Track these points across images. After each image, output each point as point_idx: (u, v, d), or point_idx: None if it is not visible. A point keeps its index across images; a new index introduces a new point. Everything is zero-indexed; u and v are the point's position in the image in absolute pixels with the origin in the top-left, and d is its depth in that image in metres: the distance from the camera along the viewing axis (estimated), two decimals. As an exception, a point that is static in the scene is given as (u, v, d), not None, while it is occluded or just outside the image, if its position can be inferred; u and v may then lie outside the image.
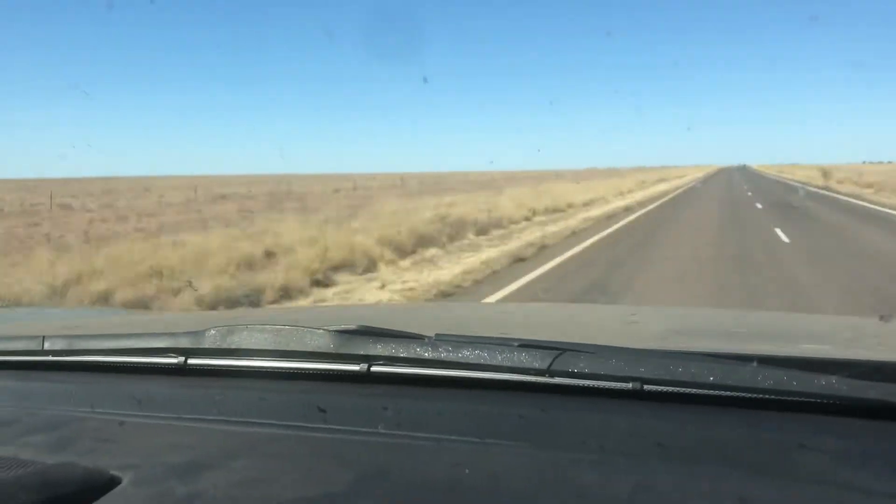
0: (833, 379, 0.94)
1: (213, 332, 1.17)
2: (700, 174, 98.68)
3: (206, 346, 1.17)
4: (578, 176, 74.41)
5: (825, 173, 52.31)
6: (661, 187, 47.11)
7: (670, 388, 0.99)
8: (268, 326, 1.17)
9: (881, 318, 1.63)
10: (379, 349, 1.10)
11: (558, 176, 78.39)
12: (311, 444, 0.94)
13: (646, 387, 0.99)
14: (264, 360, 1.17)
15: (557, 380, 1.02)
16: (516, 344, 1.06)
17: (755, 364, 0.99)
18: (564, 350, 1.03)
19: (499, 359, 1.04)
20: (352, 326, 1.15)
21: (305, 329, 1.15)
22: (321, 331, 1.13)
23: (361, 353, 1.10)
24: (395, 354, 1.09)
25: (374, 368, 1.10)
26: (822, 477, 0.81)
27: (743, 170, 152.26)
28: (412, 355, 1.08)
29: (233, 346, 1.16)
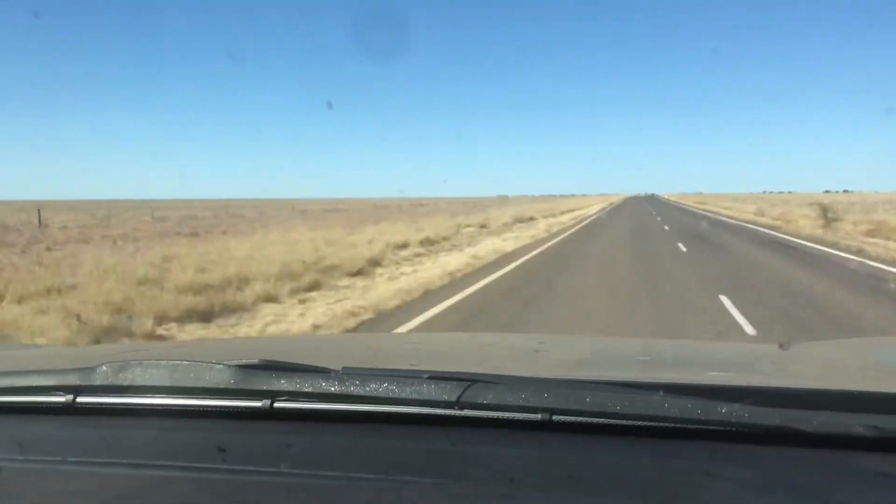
0: (736, 406, 0.96)
1: (104, 368, 1.13)
2: (601, 205, 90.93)
3: (97, 383, 1.12)
4: (482, 204, 72.71)
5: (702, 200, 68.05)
6: (557, 221, 38.82)
7: (579, 419, 1.00)
8: (163, 362, 1.14)
9: (780, 346, 1.71)
10: (282, 384, 1.07)
11: (466, 203, 75.36)
12: (210, 487, 0.90)
13: (555, 417, 0.99)
14: (160, 398, 1.12)
15: (467, 412, 1.02)
16: (426, 376, 1.05)
17: (661, 393, 0.99)
18: (474, 381, 1.03)
19: (408, 392, 1.03)
20: (254, 360, 1.11)
21: (204, 364, 1.11)
22: (221, 366, 1.10)
23: (264, 388, 1.07)
24: (299, 389, 1.06)
25: (277, 404, 1.07)
26: None
27: (652, 199, 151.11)
28: (317, 390, 1.06)
29: (126, 383, 1.11)
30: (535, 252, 17.96)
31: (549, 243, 21.00)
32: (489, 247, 19.42)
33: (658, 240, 22.36)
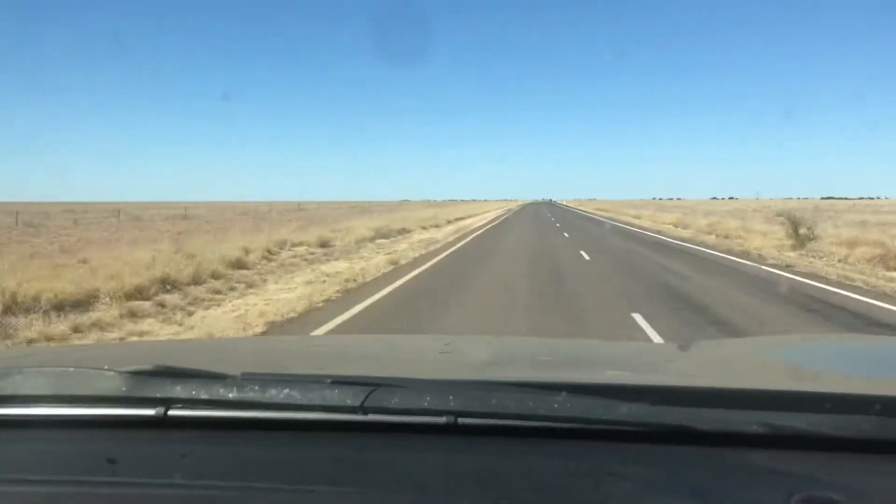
0: (637, 406, 0.98)
1: None
2: (499, 211, 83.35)
3: None
4: (372, 209, 67.92)
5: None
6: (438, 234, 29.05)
7: (484, 421, 0.99)
8: (47, 369, 1.10)
9: (680, 346, 1.77)
10: (178, 391, 1.03)
11: (362, 209, 68.70)
12: (99, 501, 0.86)
13: (460, 420, 0.99)
14: (44, 408, 1.06)
15: (372, 417, 1.00)
16: (329, 381, 1.03)
17: (565, 393, 1.00)
18: (378, 385, 1.01)
19: (310, 397, 1.01)
20: (147, 366, 1.07)
21: (93, 371, 1.08)
22: (111, 372, 1.06)
23: (158, 395, 1.03)
24: (195, 396, 1.03)
25: (171, 412, 1.03)
26: None
27: (551, 205, 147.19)
28: (215, 397, 1.02)
29: (6, 393, 1.07)
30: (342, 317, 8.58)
31: (385, 291, 11.03)
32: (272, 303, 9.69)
33: (587, 293, 10.75)
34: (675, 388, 1.16)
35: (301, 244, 20.15)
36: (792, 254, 17.71)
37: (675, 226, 35.22)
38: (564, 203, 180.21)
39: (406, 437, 1.01)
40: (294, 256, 17.16)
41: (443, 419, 0.99)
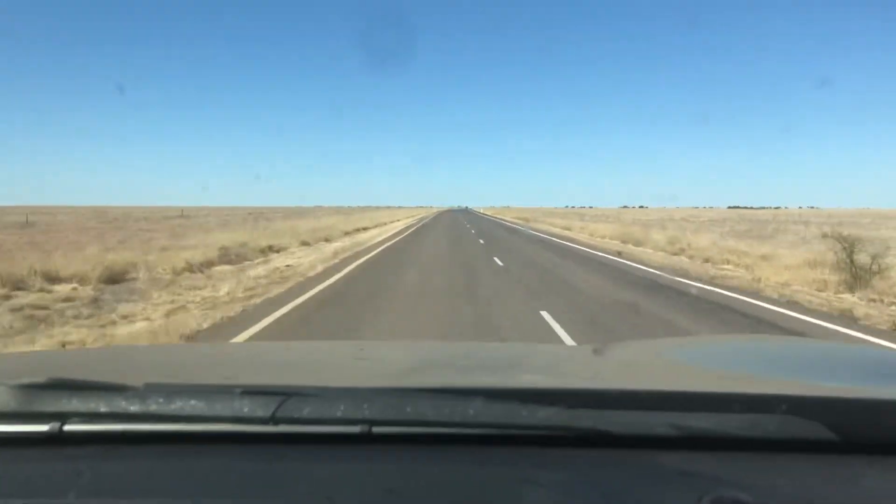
0: (552, 410, 0.98)
1: None
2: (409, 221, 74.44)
3: None
4: (267, 216, 61.44)
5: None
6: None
7: (399, 429, 0.98)
8: None
9: (595, 350, 1.75)
10: (74, 404, 0.98)
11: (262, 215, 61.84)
12: None
13: (374, 429, 0.97)
14: None
15: (283, 427, 0.97)
16: (238, 391, 0.99)
17: (481, 399, 0.99)
18: (290, 395, 0.99)
19: (218, 408, 0.98)
20: (40, 379, 1.02)
21: None
22: (1, 387, 1.00)
23: (52, 410, 0.98)
24: (94, 410, 0.98)
25: (67, 427, 0.98)
26: None
27: (467, 213, 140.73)
28: (116, 409, 0.98)
29: None
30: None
31: None
32: None
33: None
34: (589, 391, 1.15)
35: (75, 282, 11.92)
36: (853, 298, 11.09)
37: (624, 241, 28.04)
38: (481, 211, 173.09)
39: (319, 447, 0.99)
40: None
41: (357, 428, 0.98)
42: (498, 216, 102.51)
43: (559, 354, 2.22)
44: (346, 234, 33.57)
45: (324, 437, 0.98)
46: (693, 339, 4.20)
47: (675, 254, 21.15)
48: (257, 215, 76.02)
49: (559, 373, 1.63)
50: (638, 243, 26.74)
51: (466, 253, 21.56)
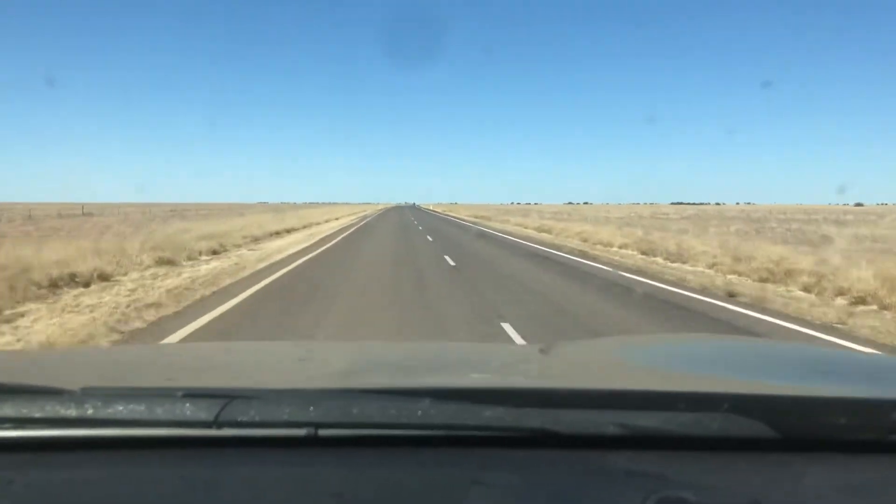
0: (500, 410, 0.97)
1: None
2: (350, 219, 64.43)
3: None
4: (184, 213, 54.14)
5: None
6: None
7: (346, 431, 0.97)
8: None
9: (541, 349, 1.74)
10: (6, 409, 0.95)
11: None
12: None
13: (320, 431, 0.96)
14: None
15: (227, 431, 0.95)
16: (180, 394, 0.97)
17: (428, 400, 0.98)
18: (234, 397, 0.97)
19: (159, 412, 0.95)
20: None
21: None
22: None
23: None
24: (27, 415, 0.94)
25: None
26: None
27: (415, 209, 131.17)
28: (51, 415, 0.94)
29: None
30: None
31: None
32: None
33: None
34: (536, 390, 1.15)
35: None
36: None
37: (669, 258, 18.58)
38: (431, 208, 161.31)
39: (264, 451, 0.96)
40: None
41: (302, 431, 0.96)
42: (449, 213, 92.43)
43: (507, 354, 2.21)
44: (254, 240, 24.39)
45: (269, 440, 0.97)
46: (640, 337, 4.24)
47: (676, 260, 12.55)
48: (179, 214, 65.91)
49: (507, 372, 1.62)
50: (622, 244, 20.05)
51: (413, 246, 20.65)
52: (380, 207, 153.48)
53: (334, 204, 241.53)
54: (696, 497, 0.84)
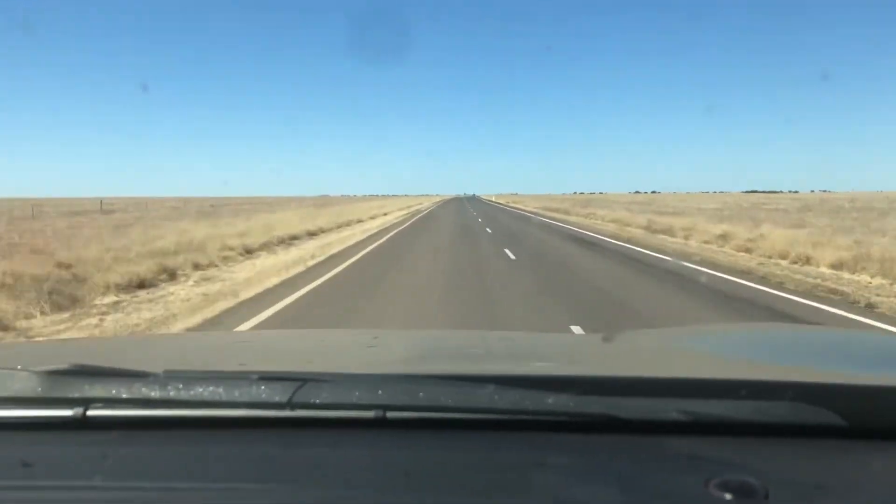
0: (562, 396, 0.99)
1: None
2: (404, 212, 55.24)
3: None
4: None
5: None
6: None
7: (413, 414, 1.00)
8: None
9: (604, 338, 1.76)
10: (97, 390, 1.01)
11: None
12: None
13: (388, 414, 0.99)
14: None
15: (299, 412, 1.00)
16: (255, 377, 1.02)
17: (492, 386, 1.01)
18: (306, 380, 1.01)
19: (236, 394, 1.00)
20: (64, 365, 1.04)
21: (5, 371, 1.05)
22: (25, 372, 1.04)
23: (76, 395, 1.01)
24: (115, 395, 1.01)
25: (91, 413, 1.01)
26: (556, 495, 0.82)
27: (475, 201, 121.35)
28: (136, 395, 1.01)
29: None
30: None
31: None
32: None
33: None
34: (599, 378, 1.16)
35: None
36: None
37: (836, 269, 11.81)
38: (493, 200, 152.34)
39: (334, 432, 1.01)
40: None
41: (371, 413, 0.99)
42: (515, 205, 79.70)
43: (569, 343, 2.27)
44: (246, 252, 15.71)
45: (339, 421, 1.01)
46: (704, 327, 4.12)
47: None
48: (216, 208, 58.35)
49: (569, 360, 1.64)
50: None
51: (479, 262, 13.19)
52: (436, 200, 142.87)
53: (392, 197, 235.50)
54: (759, 481, 0.83)
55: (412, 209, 64.25)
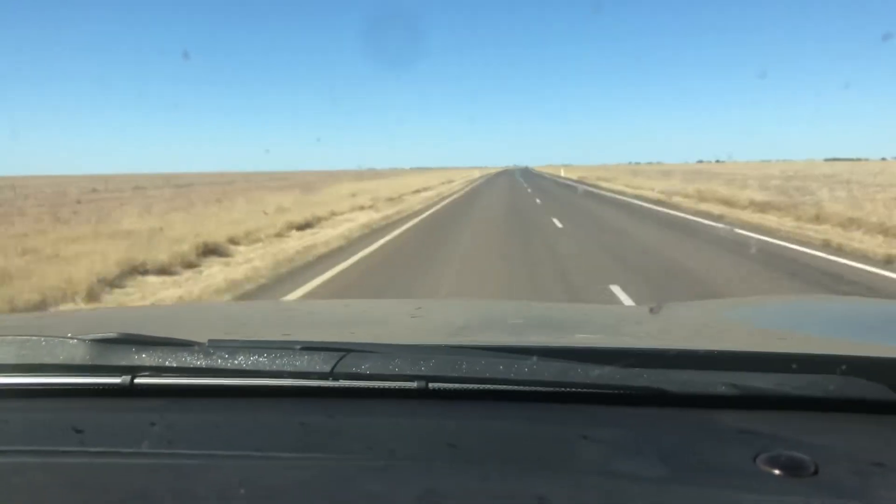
0: (607, 369, 0.99)
1: None
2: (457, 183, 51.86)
3: None
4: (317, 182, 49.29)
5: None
6: None
7: (455, 385, 1.01)
8: (8, 338, 1.10)
9: (651, 309, 1.74)
10: (144, 358, 1.04)
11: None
12: (65, 471, 0.86)
13: (431, 385, 1.00)
14: (6, 377, 1.08)
15: (342, 382, 1.01)
16: (298, 347, 1.04)
17: (535, 357, 1.02)
18: (349, 351, 1.03)
19: (279, 364, 1.02)
20: (112, 334, 1.07)
21: (56, 339, 1.08)
22: (75, 340, 1.07)
23: (123, 363, 1.04)
24: (162, 364, 1.04)
25: (138, 380, 1.04)
26: (601, 467, 0.83)
27: (528, 174, 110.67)
28: (182, 364, 1.03)
29: None
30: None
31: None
32: None
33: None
34: (645, 351, 1.16)
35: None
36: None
37: None
38: (544, 170, 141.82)
39: (377, 402, 1.02)
40: None
41: (413, 384, 1.00)
42: (568, 177, 68.72)
43: (614, 314, 2.23)
44: (207, 252, 11.22)
45: (382, 391, 1.02)
46: (753, 299, 4.12)
47: None
48: (255, 182, 58.73)
49: (614, 332, 1.64)
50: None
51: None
52: (485, 172, 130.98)
53: (440, 169, 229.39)
54: (809, 456, 0.84)
55: (456, 182, 57.35)
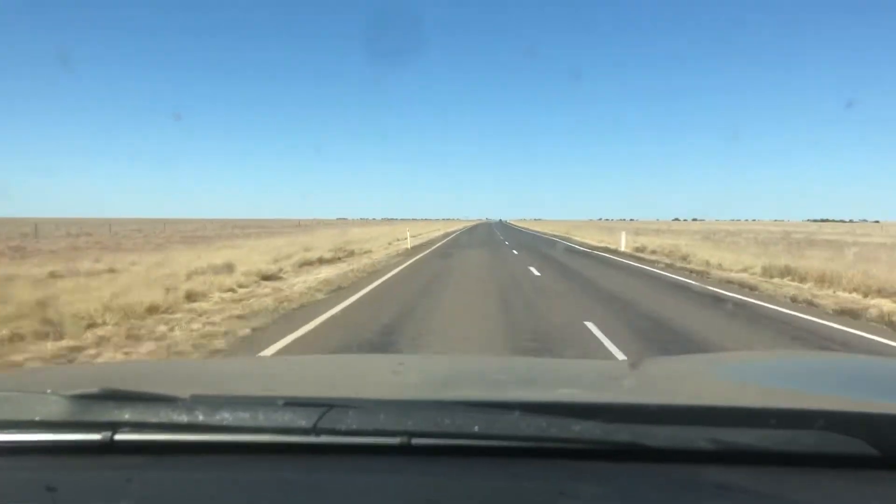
0: (589, 424, 1.01)
1: None
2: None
3: None
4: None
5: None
6: None
7: (438, 441, 1.02)
8: None
9: (632, 364, 1.85)
10: (125, 414, 1.04)
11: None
12: None
13: (413, 440, 1.01)
14: None
15: (325, 438, 1.02)
16: (281, 402, 1.04)
17: (518, 412, 1.03)
18: (332, 406, 1.03)
19: (261, 419, 1.02)
20: (93, 389, 1.07)
21: (35, 395, 1.09)
22: (55, 396, 1.07)
23: (104, 419, 1.04)
24: (143, 420, 1.04)
25: (118, 437, 1.04)
26: None
27: (506, 229, 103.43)
28: (164, 420, 1.04)
29: None
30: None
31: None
32: None
33: None
34: (626, 406, 1.17)
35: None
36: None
37: None
38: (523, 226, 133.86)
39: (359, 458, 1.02)
40: None
41: (396, 440, 1.01)
42: (557, 235, 64.69)
43: (596, 368, 2.29)
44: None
45: (364, 447, 1.02)
46: (732, 354, 4.23)
47: None
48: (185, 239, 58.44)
49: (596, 387, 1.65)
50: None
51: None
52: (460, 225, 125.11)
53: (411, 220, 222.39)
54: None
55: (426, 236, 54.02)
